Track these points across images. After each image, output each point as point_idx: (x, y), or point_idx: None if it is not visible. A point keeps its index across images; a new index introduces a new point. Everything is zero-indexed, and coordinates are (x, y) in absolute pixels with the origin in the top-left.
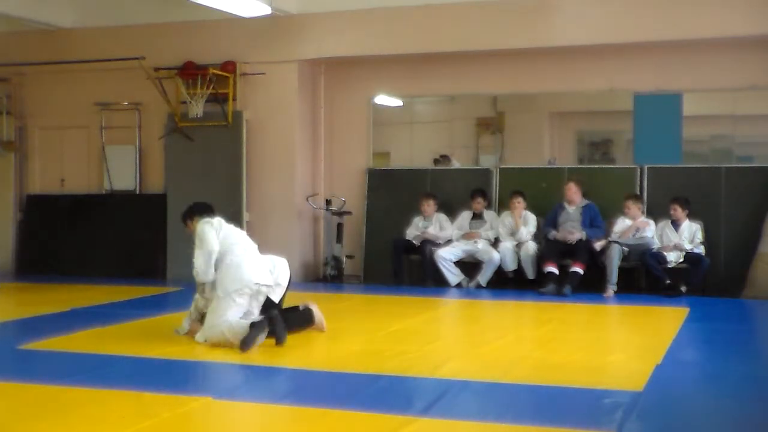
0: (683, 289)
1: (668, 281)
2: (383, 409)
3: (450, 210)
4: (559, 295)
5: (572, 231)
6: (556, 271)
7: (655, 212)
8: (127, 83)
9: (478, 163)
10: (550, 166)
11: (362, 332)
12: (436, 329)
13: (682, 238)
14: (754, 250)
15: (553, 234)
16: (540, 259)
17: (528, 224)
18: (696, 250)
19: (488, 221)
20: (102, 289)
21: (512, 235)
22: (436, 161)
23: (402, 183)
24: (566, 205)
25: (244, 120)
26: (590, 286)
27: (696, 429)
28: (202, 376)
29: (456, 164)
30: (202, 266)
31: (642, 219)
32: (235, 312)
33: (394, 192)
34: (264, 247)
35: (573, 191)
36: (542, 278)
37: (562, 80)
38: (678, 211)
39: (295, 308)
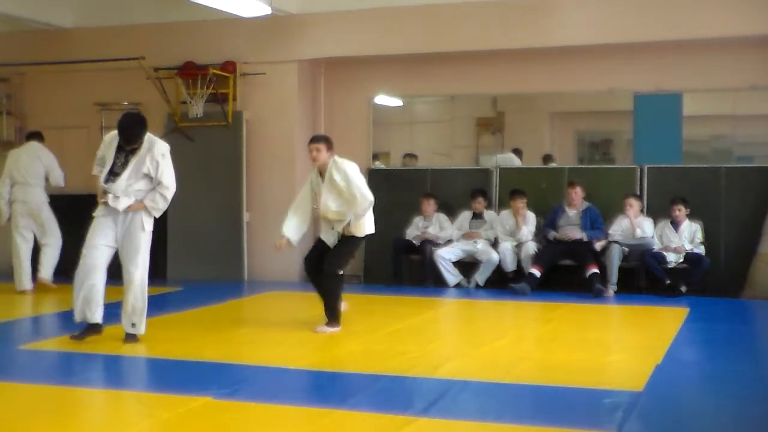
0: (683, 289)
1: (668, 281)
2: (383, 409)
3: (450, 210)
4: (524, 294)
5: (572, 233)
6: (538, 274)
7: (655, 212)
8: (127, 83)
9: (478, 163)
10: (550, 166)
11: (362, 332)
12: (436, 329)
13: (682, 238)
14: (754, 250)
15: (552, 234)
16: (535, 259)
17: (528, 223)
18: (696, 250)
19: (488, 221)
20: None
21: (511, 234)
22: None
23: (402, 183)
24: (567, 208)
25: (244, 120)
26: (589, 286)
27: (696, 429)
28: (202, 376)
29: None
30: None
31: (641, 218)
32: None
33: (394, 192)
34: (264, 247)
35: (577, 195)
36: (525, 277)
37: (562, 80)
38: (682, 212)
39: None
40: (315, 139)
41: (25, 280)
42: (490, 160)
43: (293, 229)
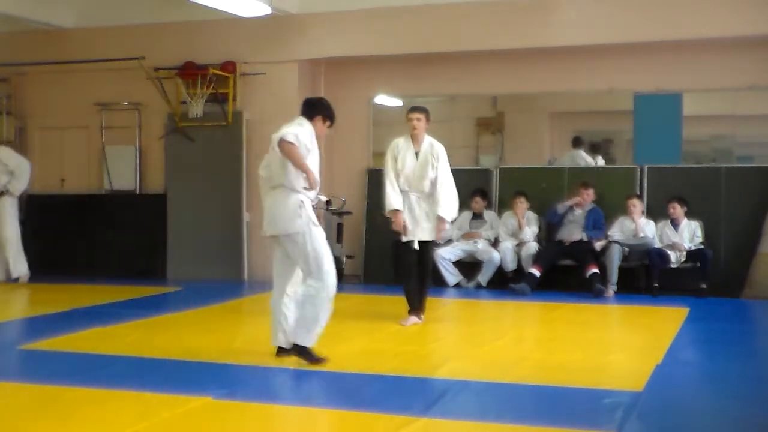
0: (703, 286)
1: (656, 284)
2: (383, 409)
3: None
4: (524, 294)
5: (571, 236)
6: (538, 274)
7: (655, 212)
8: (127, 83)
9: (478, 163)
10: (550, 166)
11: (362, 332)
12: (436, 329)
13: (683, 237)
14: (754, 250)
15: (561, 207)
16: (535, 259)
17: (531, 224)
18: (694, 248)
19: (488, 221)
20: (102, 289)
21: (514, 235)
22: None
23: None
24: (574, 207)
25: (244, 120)
26: (589, 286)
27: (696, 429)
28: (202, 376)
29: None
30: None
31: (643, 219)
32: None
33: None
34: (264, 247)
35: (589, 196)
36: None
37: (562, 80)
38: (677, 210)
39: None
40: (417, 109)
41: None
42: (563, 161)
43: (401, 202)
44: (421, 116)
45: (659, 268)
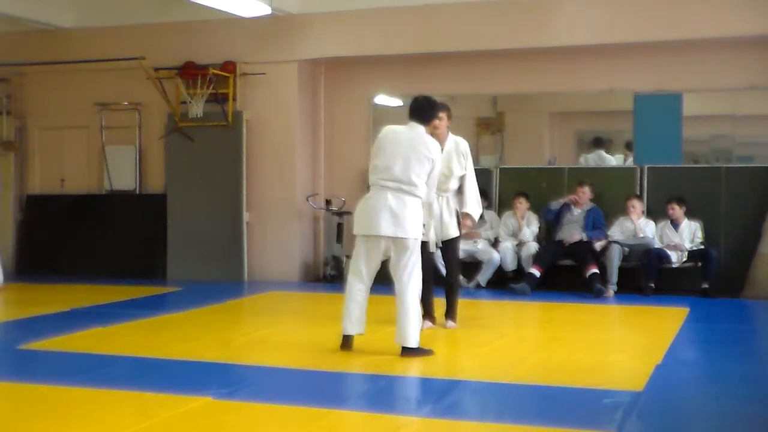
0: (705, 286)
1: (652, 284)
2: (383, 409)
3: None
4: (524, 294)
5: (572, 236)
6: (538, 274)
7: (655, 212)
8: (127, 83)
9: (478, 163)
10: (550, 166)
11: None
12: (436, 329)
13: (683, 237)
14: (754, 250)
15: (555, 204)
16: (535, 259)
17: (531, 225)
18: (695, 249)
19: (488, 221)
20: (102, 289)
21: (514, 235)
22: None
23: None
24: (572, 206)
25: (244, 120)
26: (589, 286)
27: (696, 429)
28: (202, 376)
29: None
30: None
31: (642, 219)
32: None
33: None
34: (264, 247)
35: (585, 194)
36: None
37: (562, 80)
38: (676, 210)
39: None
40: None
41: None
42: (585, 161)
43: None
44: (443, 115)
45: (656, 268)
